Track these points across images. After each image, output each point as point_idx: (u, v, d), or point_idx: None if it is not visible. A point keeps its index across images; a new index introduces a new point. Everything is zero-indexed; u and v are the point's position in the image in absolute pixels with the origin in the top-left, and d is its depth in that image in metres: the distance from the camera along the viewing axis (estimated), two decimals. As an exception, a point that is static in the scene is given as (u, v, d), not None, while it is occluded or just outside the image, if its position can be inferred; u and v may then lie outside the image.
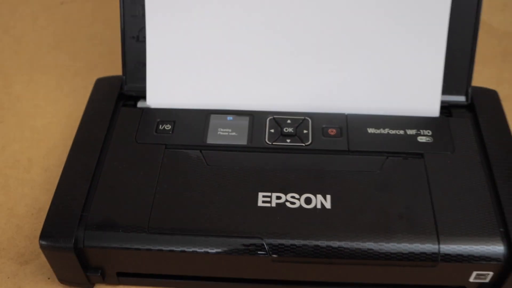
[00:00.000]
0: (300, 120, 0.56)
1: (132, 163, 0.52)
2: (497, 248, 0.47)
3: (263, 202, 0.49)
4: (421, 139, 0.54)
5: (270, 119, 0.56)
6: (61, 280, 0.53)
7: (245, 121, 0.56)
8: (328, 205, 0.49)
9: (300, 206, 0.49)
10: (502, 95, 0.59)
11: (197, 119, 0.56)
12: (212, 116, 0.56)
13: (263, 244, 0.47)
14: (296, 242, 0.47)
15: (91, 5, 0.81)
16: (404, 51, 0.56)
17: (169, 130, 0.55)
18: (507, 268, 0.47)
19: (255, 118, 0.56)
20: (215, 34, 0.56)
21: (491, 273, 0.48)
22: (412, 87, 0.56)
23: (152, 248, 0.47)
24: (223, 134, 0.55)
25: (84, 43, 0.76)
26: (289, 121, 0.56)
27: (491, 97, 0.59)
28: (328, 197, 0.50)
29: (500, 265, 0.47)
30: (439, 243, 0.47)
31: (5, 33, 0.78)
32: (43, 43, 0.76)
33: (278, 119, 0.56)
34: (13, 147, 0.64)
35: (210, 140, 0.54)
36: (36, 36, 0.77)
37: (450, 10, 0.55)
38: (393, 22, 0.55)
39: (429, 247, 0.47)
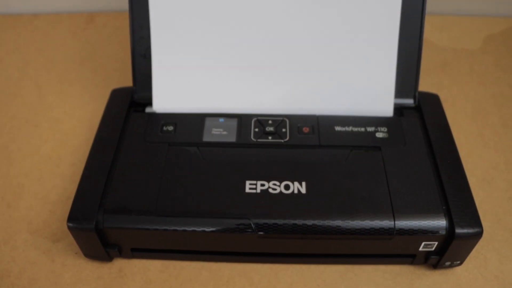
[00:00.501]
0: (279, 120, 0.54)
1: (141, 158, 0.51)
2: (441, 223, 0.46)
3: (250, 189, 0.48)
4: (379, 135, 0.53)
5: (254, 120, 0.54)
6: (86, 255, 0.52)
7: (234, 122, 0.54)
8: (303, 190, 0.48)
9: (281, 191, 0.48)
10: (442, 98, 0.59)
11: (195, 121, 0.54)
12: (207, 118, 0.55)
13: (250, 224, 0.46)
14: (278, 221, 0.46)
15: (108, 30, 0.80)
16: (363, 64, 0.55)
17: (171, 130, 0.53)
18: (448, 239, 0.47)
19: (242, 119, 0.55)
20: (208, 53, 0.55)
21: (436, 243, 0.47)
22: (370, 93, 0.55)
23: (159, 228, 0.46)
24: (216, 133, 0.53)
25: (103, 61, 0.75)
26: (270, 122, 0.54)
27: (434, 100, 0.58)
28: (304, 183, 0.48)
29: (443, 236, 0.46)
30: (394, 220, 0.46)
31: (39, 54, 0.76)
32: (70, 61, 0.75)
33: (261, 120, 0.54)
34: (46, 147, 0.63)
35: (206, 138, 0.53)
36: (64, 56, 0.76)
37: (399, 31, 0.54)
38: (353, 42, 0.54)
39: (386, 223, 0.46)
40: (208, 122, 0.54)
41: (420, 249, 0.48)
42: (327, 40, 0.54)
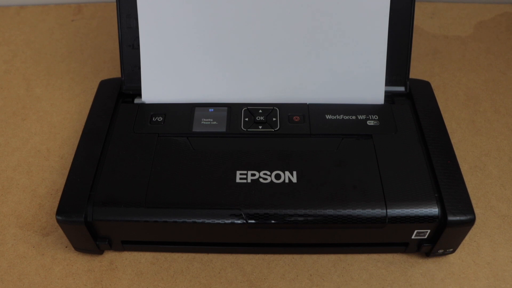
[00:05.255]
0: (269, 109, 0.54)
1: (130, 149, 0.50)
2: (433, 210, 0.46)
3: (240, 178, 0.47)
4: (370, 122, 0.52)
5: (244, 110, 0.54)
6: (76, 248, 0.51)
7: (224, 112, 0.54)
8: (294, 179, 0.47)
9: (271, 181, 0.47)
10: (433, 85, 0.58)
11: (184, 112, 0.54)
12: (196, 108, 0.54)
13: (241, 214, 0.46)
14: (269, 211, 0.46)
15: (96, 21, 0.79)
16: (354, 52, 0.54)
17: (161, 121, 0.53)
18: (440, 226, 0.46)
19: (232, 109, 0.54)
20: (197, 43, 0.54)
21: (428, 231, 0.47)
22: (361, 81, 0.54)
23: (149, 220, 0.46)
24: (206, 123, 0.53)
25: (91, 52, 0.74)
26: (260, 111, 0.54)
27: (425, 87, 0.57)
28: (295, 173, 0.48)
29: (436, 224, 0.46)
30: (386, 208, 0.46)
31: (27, 46, 0.75)
32: (58, 53, 0.74)
33: (251, 109, 0.54)
34: (34, 140, 0.62)
35: (195, 128, 0.52)
36: (52, 48, 0.75)
37: (389, 19, 0.53)
38: (343, 30, 0.53)
39: (378, 211, 0.46)
40: (197, 112, 0.54)
41: (413, 237, 0.48)
42: (317, 28, 0.53)
